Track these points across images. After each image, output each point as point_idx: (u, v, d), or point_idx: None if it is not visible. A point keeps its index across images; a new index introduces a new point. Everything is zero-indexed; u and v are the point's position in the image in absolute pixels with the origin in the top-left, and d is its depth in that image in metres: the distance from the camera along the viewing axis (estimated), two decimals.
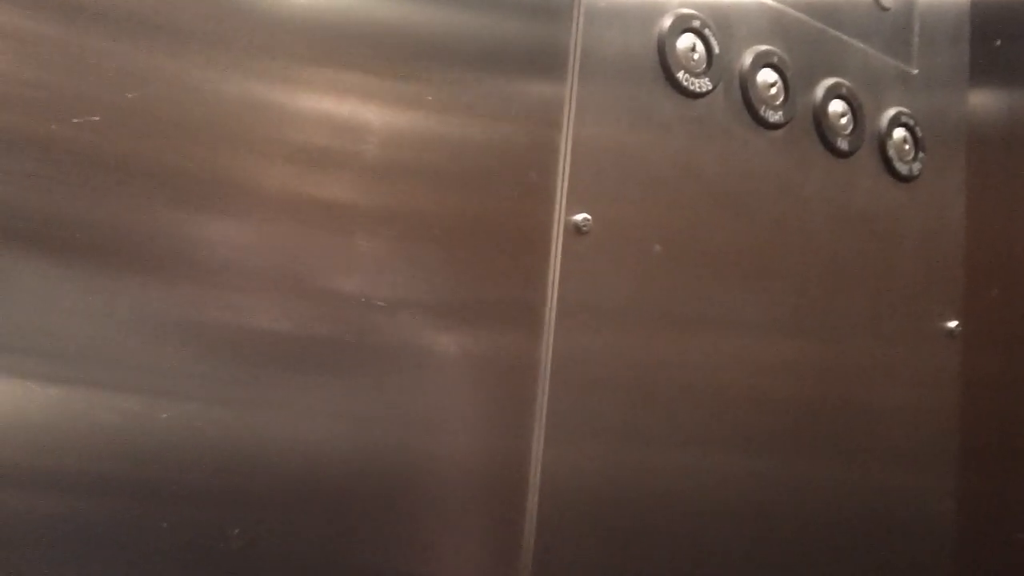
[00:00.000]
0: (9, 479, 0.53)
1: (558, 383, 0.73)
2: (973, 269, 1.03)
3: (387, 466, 0.66)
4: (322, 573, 0.63)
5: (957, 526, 0.99)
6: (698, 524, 0.81)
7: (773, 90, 0.88)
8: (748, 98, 0.87)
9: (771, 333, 0.88)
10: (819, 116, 0.92)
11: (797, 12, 0.92)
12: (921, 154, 1.00)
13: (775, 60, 0.89)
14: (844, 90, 0.94)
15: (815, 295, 0.91)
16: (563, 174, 0.75)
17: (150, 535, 0.57)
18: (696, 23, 0.83)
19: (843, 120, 0.94)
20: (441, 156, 0.70)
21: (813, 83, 0.92)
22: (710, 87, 0.84)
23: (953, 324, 1.02)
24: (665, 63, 0.81)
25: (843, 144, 0.93)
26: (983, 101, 1.06)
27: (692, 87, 0.83)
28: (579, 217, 0.76)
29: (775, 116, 0.88)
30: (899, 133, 0.99)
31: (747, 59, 0.87)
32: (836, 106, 0.94)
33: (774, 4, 0.90)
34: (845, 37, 0.96)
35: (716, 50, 0.84)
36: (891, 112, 0.98)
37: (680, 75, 0.82)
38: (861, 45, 0.97)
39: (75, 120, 0.56)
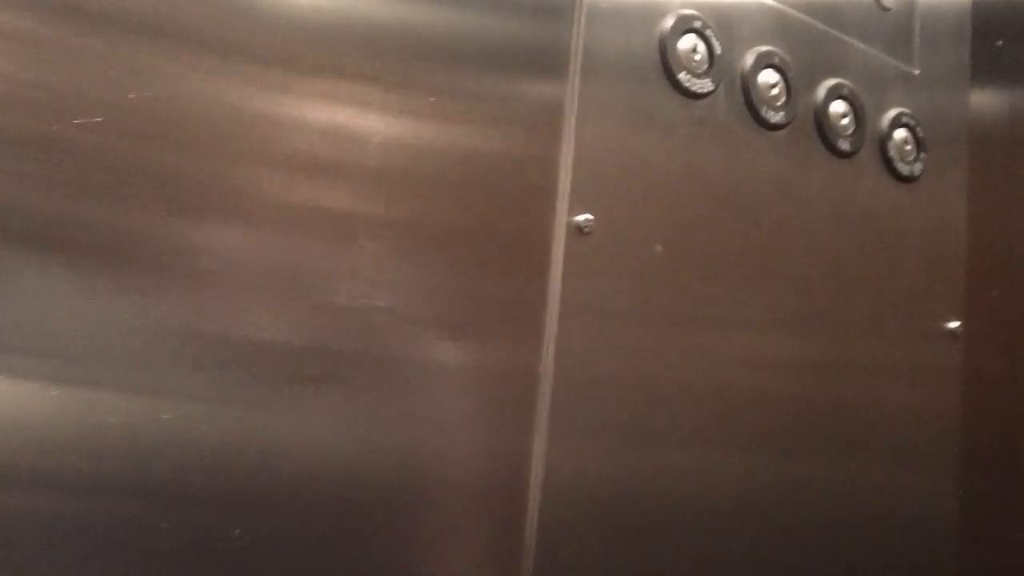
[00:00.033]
0: (10, 479, 0.53)
1: (560, 383, 0.73)
2: (974, 269, 1.03)
3: (389, 466, 0.66)
4: (324, 574, 0.63)
5: (959, 526, 0.99)
6: (700, 524, 0.81)
7: (774, 91, 0.88)
8: (749, 99, 0.87)
9: (773, 333, 0.88)
10: (820, 117, 0.92)
11: (798, 13, 0.92)
12: (922, 154, 1.00)
13: (776, 61, 0.88)
14: (845, 91, 0.94)
15: (817, 295, 0.91)
16: (565, 175, 0.75)
17: (151, 535, 0.57)
18: (698, 24, 0.83)
19: (844, 121, 0.94)
20: (442, 157, 0.70)
21: (814, 84, 0.92)
22: (711, 88, 0.84)
23: (954, 324, 1.02)
24: (667, 64, 0.81)
25: (844, 145, 0.93)
26: (984, 101, 1.06)
27: (694, 88, 0.83)
28: (581, 218, 0.76)
29: (776, 117, 0.88)
30: (900, 133, 0.99)
31: (748, 60, 0.87)
32: (837, 107, 0.94)
33: (775, 5, 0.90)
34: (846, 38, 0.96)
35: (718, 51, 0.84)
36: (892, 113, 0.98)
37: (682, 76, 0.82)
38: (862, 46, 0.97)
39: (76, 121, 0.56)
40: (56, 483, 0.54)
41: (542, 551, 0.72)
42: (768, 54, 0.88)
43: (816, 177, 0.92)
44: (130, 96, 0.57)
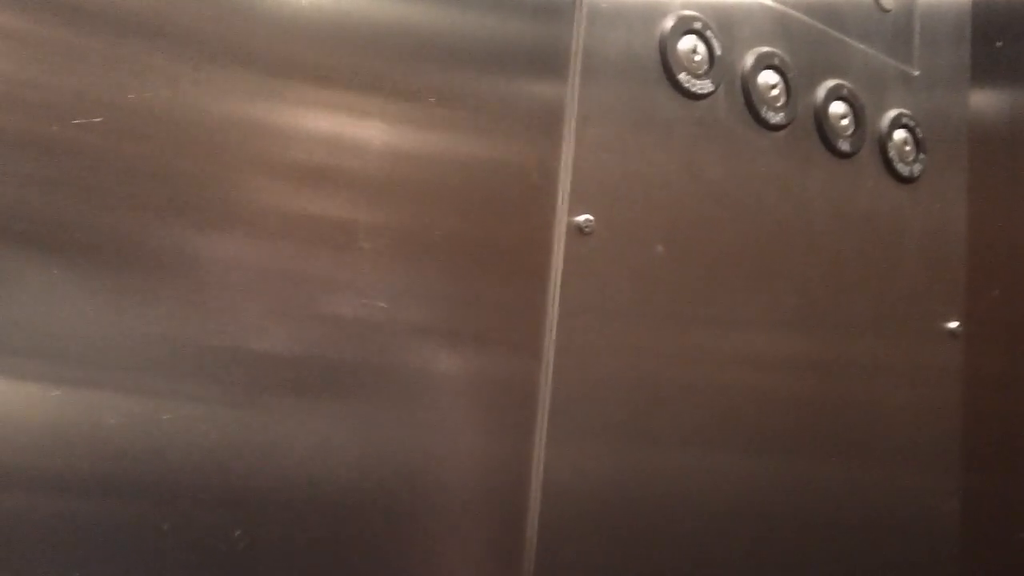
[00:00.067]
0: (11, 480, 0.53)
1: (561, 384, 0.73)
2: (974, 270, 1.03)
3: (390, 468, 0.66)
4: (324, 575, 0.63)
5: (960, 526, 0.99)
6: (700, 524, 0.81)
7: (774, 91, 0.88)
8: (750, 99, 0.87)
9: (773, 334, 0.88)
10: (820, 117, 0.92)
11: (798, 13, 0.92)
12: (922, 155, 1.00)
13: (776, 61, 0.89)
14: (845, 91, 0.94)
15: (817, 296, 0.91)
16: (565, 176, 0.75)
17: (151, 536, 0.57)
18: (698, 24, 0.83)
19: (844, 121, 0.94)
20: (441, 159, 0.70)
21: (814, 84, 0.92)
22: (712, 88, 0.84)
23: (955, 324, 1.02)
24: (667, 64, 0.81)
25: (844, 145, 0.93)
26: (984, 102, 1.06)
27: (694, 88, 0.83)
28: (581, 218, 0.76)
29: (776, 117, 0.88)
30: (900, 134, 0.99)
31: (748, 60, 0.87)
32: (837, 107, 0.94)
33: (775, 5, 0.90)
34: (846, 38, 0.96)
35: (718, 51, 0.84)
36: (892, 113, 0.98)
37: (682, 76, 0.82)
38: (862, 46, 0.97)
39: (76, 121, 0.55)
40: (56, 484, 0.54)
41: (543, 552, 0.72)
42: (768, 55, 0.88)
43: (816, 177, 0.92)
44: (130, 96, 0.57)
